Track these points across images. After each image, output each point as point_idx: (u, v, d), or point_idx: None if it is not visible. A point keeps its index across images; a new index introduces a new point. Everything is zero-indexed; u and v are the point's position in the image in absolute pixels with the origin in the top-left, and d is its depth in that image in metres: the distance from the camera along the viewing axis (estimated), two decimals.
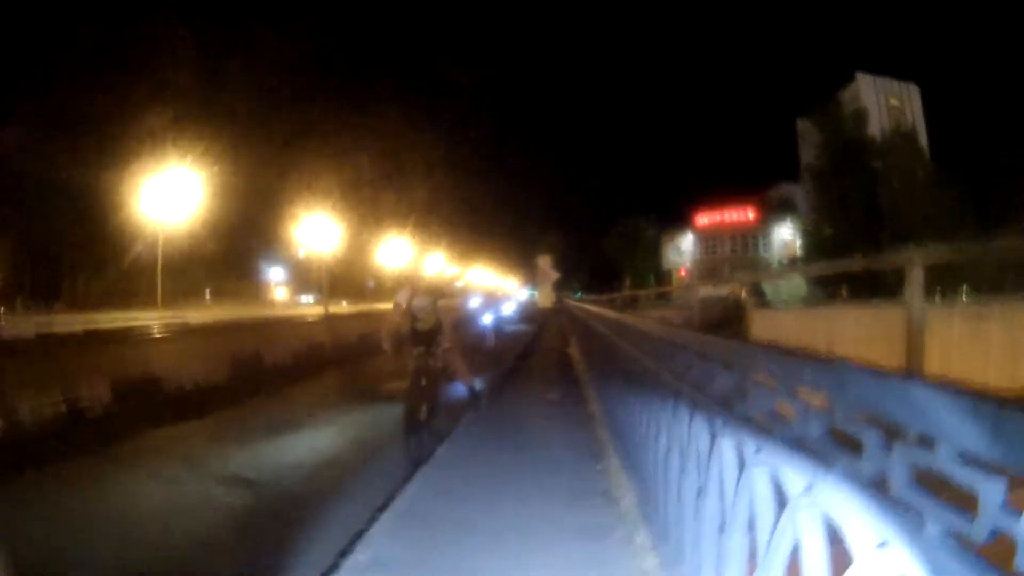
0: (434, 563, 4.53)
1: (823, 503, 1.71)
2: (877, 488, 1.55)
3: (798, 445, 1.90)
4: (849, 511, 1.59)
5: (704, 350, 2.98)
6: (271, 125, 60.52)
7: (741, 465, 2.30)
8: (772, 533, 1.99)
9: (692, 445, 2.90)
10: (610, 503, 5.50)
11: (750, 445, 2.20)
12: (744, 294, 31.50)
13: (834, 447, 1.71)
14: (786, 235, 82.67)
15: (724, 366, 2.67)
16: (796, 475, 1.85)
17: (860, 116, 64.07)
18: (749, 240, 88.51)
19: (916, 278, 3.44)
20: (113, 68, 51.21)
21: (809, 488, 1.78)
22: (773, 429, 2.06)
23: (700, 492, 2.78)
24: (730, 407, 2.49)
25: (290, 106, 62.95)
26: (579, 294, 78.07)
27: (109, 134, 48.35)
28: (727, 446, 2.45)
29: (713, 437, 2.63)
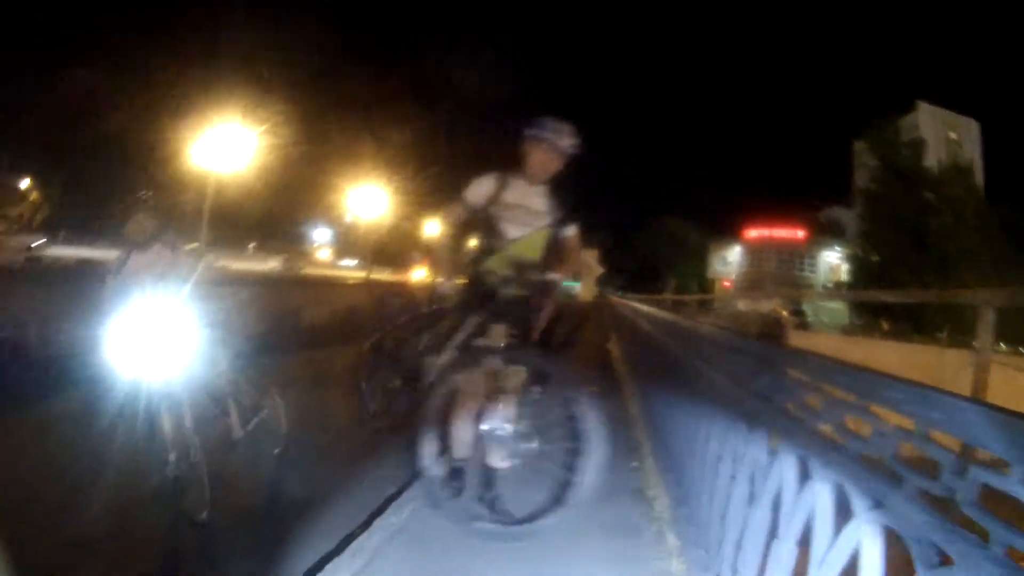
0: (463, 539, 4.54)
1: (889, 520, 1.77)
2: (945, 508, 1.61)
3: (867, 462, 1.95)
4: (915, 529, 1.65)
5: (772, 359, 3.01)
6: (331, 92, 60.96)
7: (803, 477, 2.36)
8: (830, 548, 2.05)
9: (749, 454, 2.93)
10: (643, 502, 5.47)
11: (815, 459, 2.25)
12: (785, 312, 31.30)
13: (905, 465, 1.76)
14: (833, 258, 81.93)
15: (790, 376, 2.70)
16: (863, 492, 1.92)
17: (918, 145, 63.14)
18: (796, 259, 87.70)
19: (987, 319, 3.44)
20: (173, 26, 51.95)
21: (876, 505, 1.84)
22: (842, 443, 2.10)
23: (751, 499, 2.84)
24: (795, 419, 2.52)
25: (351, 76, 63.29)
26: (620, 293, 77.80)
27: (165, 89, 49.13)
28: (789, 458, 2.49)
29: (775, 448, 2.67)
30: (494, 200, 4.88)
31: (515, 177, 4.93)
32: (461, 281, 5.00)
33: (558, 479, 4.65)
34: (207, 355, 5.85)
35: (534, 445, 4.70)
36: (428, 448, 4.62)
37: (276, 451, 6.44)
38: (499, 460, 4.92)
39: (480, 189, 4.91)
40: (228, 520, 5.19)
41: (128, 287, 5.86)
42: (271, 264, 65.92)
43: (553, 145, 4.77)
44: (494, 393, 4.75)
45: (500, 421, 4.72)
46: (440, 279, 4.92)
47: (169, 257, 6.14)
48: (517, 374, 4.79)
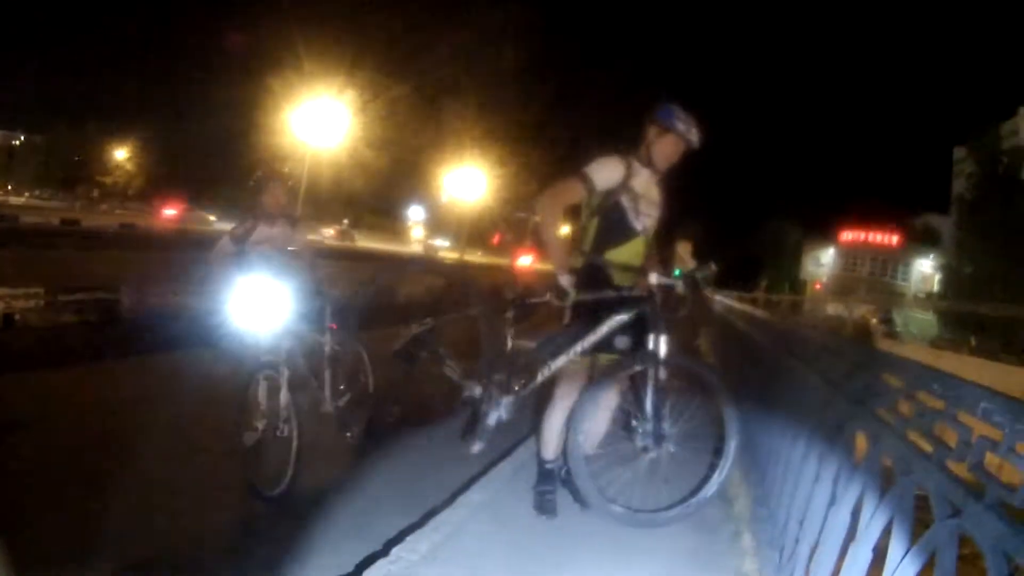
0: (542, 521, 4.64)
1: (967, 528, 1.80)
2: (1022, 519, 1.65)
3: (950, 470, 1.99)
4: (991, 539, 1.68)
5: (868, 362, 3.05)
6: (431, 73, 61.55)
7: (886, 482, 2.38)
8: (906, 553, 2.08)
9: (835, 456, 2.94)
10: (723, 500, 5.33)
11: (900, 463, 2.29)
12: (875, 320, 30.54)
13: (989, 476, 1.80)
14: (926, 267, 79.36)
15: (884, 381, 2.73)
16: (944, 499, 1.94)
17: (1018, 153, 59.79)
18: (889, 265, 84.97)
19: None
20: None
21: (955, 513, 1.87)
22: (929, 450, 2.14)
23: (832, 501, 2.85)
24: (885, 423, 2.55)
25: (453, 57, 63.77)
26: (711, 288, 76.47)
27: (266, 64, 50.47)
28: (875, 462, 2.53)
29: (862, 451, 2.70)
30: (624, 186, 4.46)
31: (639, 164, 4.54)
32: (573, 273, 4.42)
33: (693, 479, 4.57)
34: (311, 327, 5.88)
35: (673, 446, 4.25)
36: (562, 440, 4.55)
37: (362, 427, 6.20)
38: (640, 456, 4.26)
39: (610, 171, 4.45)
40: (303, 496, 5.12)
41: (248, 256, 6.02)
42: (413, 247, 67.62)
43: (682, 137, 4.44)
44: (642, 394, 4.25)
45: (643, 421, 4.22)
46: (557, 268, 4.30)
47: (290, 231, 6.29)
48: (668, 379, 4.25)
